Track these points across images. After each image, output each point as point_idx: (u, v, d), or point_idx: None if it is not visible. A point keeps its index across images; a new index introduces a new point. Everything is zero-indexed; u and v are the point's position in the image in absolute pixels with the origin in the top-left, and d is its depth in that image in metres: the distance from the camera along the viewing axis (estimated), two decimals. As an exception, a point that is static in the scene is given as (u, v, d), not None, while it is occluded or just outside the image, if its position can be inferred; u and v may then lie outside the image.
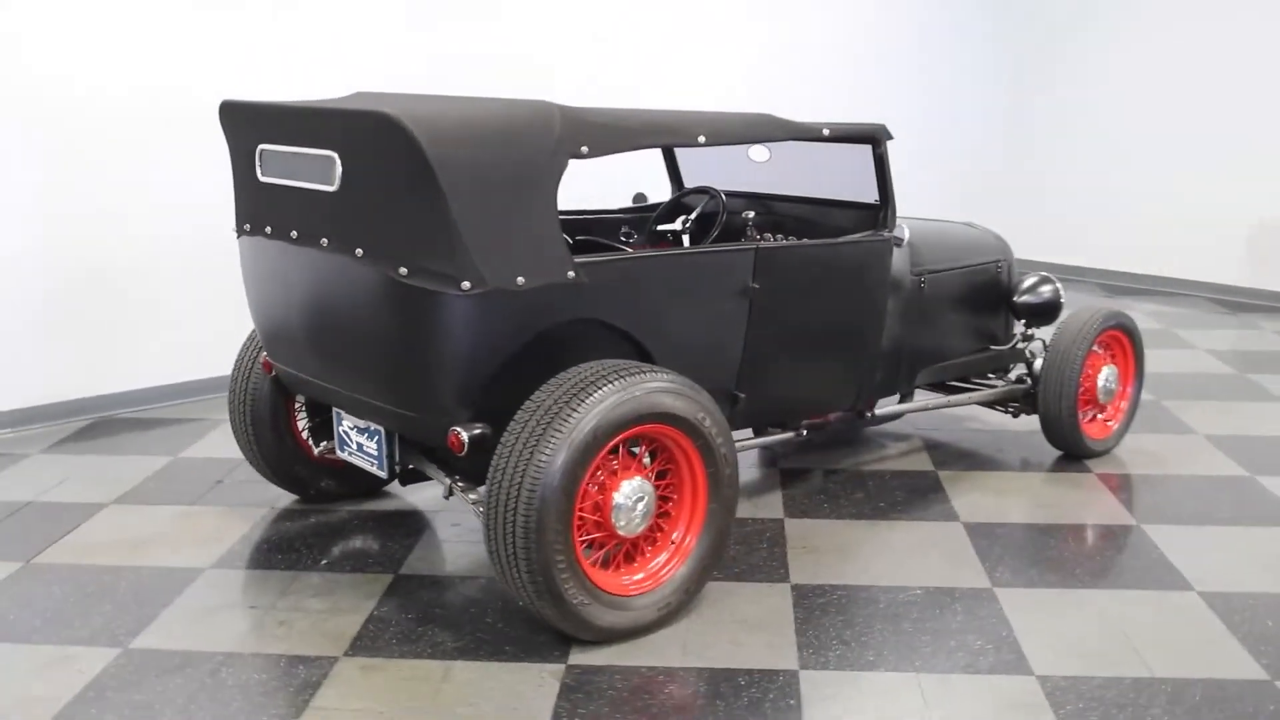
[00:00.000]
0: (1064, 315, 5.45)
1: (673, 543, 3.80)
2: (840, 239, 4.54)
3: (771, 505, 4.78)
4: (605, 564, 3.70)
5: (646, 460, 3.76)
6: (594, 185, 5.71)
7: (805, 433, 4.71)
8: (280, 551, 4.32)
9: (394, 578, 4.12)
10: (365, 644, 3.65)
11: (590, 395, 3.50)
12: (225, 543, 4.39)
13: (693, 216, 5.00)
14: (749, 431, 4.64)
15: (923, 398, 5.38)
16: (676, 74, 7.99)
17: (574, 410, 3.47)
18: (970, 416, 5.92)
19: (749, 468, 5.21)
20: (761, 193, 5.18)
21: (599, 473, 3.62)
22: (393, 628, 3.76)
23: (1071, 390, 5.15)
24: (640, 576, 3.73)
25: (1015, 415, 5.49)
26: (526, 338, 3.65)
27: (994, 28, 10.24)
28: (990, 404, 5.50)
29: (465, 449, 3.60)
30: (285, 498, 4.79)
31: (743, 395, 4.28)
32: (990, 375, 5.60)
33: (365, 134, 3.52)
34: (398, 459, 4.05)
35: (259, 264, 4.11)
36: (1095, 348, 5.32)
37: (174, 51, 5.91)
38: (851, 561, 4.25)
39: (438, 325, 3.53)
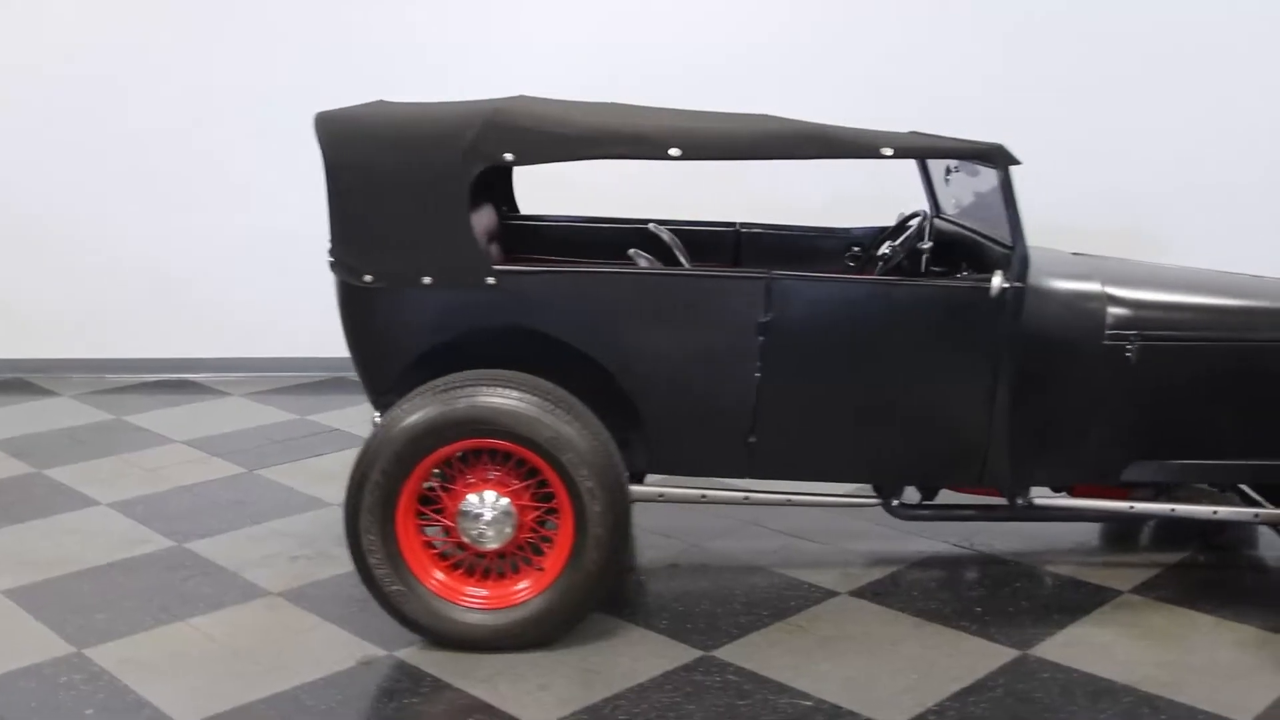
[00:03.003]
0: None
1: (539, 571, 3.65)
2: (878, 278, 3.83)
3: (855, 578, 4.16)
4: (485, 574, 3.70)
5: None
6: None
7: (896, 502, 4.03)
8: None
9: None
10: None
11: (432, 396, 3.55)
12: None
13: (898, 242, 4.45)
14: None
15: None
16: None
17: (402, 408, 3.57)
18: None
19: (895, 536, 4.49)
20: (957, 222, 4.41)
21: (451, 475, 3.63)
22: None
23: (1320, 529, 3.72)
24: (484, 593, 3.66)
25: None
26: (449, 336, 3.76)
27: None
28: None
29: None
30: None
31: (755, 441, 3.85)
32: None
33: None
34: None
35: None
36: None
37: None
38: (813, 654, 3.65)
39: (353, 314, 3.83)
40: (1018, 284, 3.76)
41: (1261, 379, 4.01)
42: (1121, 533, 4.62)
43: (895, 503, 4.03)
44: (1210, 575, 4.27)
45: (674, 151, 3.67)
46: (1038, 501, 4.03)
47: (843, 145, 3.75)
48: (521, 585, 3.64)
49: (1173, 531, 4.60)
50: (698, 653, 3.65)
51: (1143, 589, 4.11)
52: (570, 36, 6.44)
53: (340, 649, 3.68)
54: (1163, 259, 4.73)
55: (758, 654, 3.65)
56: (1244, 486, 4.29)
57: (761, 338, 3.73)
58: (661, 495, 4.02)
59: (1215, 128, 6.47)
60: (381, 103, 4.17)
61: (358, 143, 3.71)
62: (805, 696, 3.40)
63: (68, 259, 6.58)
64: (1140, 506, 4.10)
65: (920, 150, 3.85)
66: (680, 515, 4.58)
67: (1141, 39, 6.39)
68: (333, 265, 3.76)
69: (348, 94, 4.08)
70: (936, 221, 4.54)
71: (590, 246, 4.47)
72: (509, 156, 3.67)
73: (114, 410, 6.04)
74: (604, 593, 3.65)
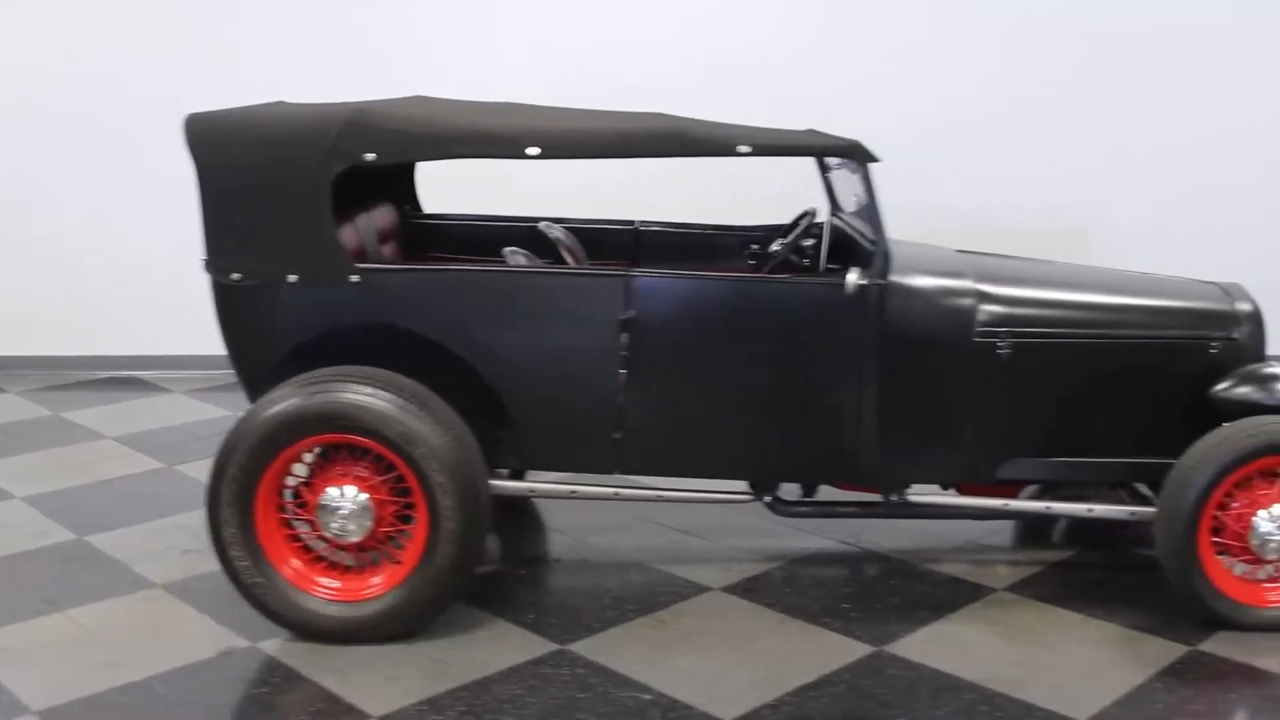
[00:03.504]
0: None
1: (397, 564, 3.70)
2: (737, 275, 3.87)
3: (732, 574, 4.18)
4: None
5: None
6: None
7: (769, 499, 4.05)
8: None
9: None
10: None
11: (289, 392, 3.61)
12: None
13: (789, 239, 4.45)
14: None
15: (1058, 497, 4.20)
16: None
17: (259, 404, 3.63)
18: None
19: (784, 533, 4.49)
20: (846, 219, 4.41)
21: (319, 470, 3.70)
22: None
23: (1181, 529, 3.70)
24: (338, 584, 3.71)
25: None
26: (317, 333, 3.82)
27: None
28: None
29: None
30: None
31: (621, 437, 3.88)
32: None
33: None
34: None
35: None
36: (1257, 477, 3.73)
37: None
38: (669, 649, 3.68)
39: (225, 312, 3.89)
40: (879, 281, 3.77)
41: (1138, 376, 4.00)
42: (1025, 530, 4.59)
43: (769, 499, 4.05)
44: (1093, 574, 4.26)
45: (532, 151, 3.71)
46: (912, 498, 4.03)
47: (699, 143, 3.78)
48: (376, 578, 3.68)
49: (1079, 530, 4.58)
50: (554, 646, 3.68)
51: (1019, 586, 4.10)
52: (570, 37, 6.51)
53: (207, 640, 3.74)
54: (1162, 264, 4.72)
55: (613, 648, 3.68)
56: (1140, 485, 4.27)
57: (624, 335, 3.76)
58: (533, 491, 4.06)
59: (1215, 128, 6.50)
60: (280, 104, 4.24)
61: (223, 144, 3.78)
62: (647, 690, 3.43)
63: (33, 256, 6.67)
64: (1014, 504, 4.11)
65: (777, 148, 3.87)
66: (576, 511, 4.64)
67: (1141, 39, 6.43)
68: (205, 264, 3.83)
69: (347, 94, 4.24)
70: (835, 219, 4.55)
71: (494, 244, 4.50)
72: (370, 156, 3.71)
73: (54, 407, 6.14)
74: (460, 586, 3.69)
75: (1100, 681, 3.49)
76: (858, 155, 3.77)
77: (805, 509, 4.16)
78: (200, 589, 4.07)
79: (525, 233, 4.57)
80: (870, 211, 3.79)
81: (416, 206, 4.82)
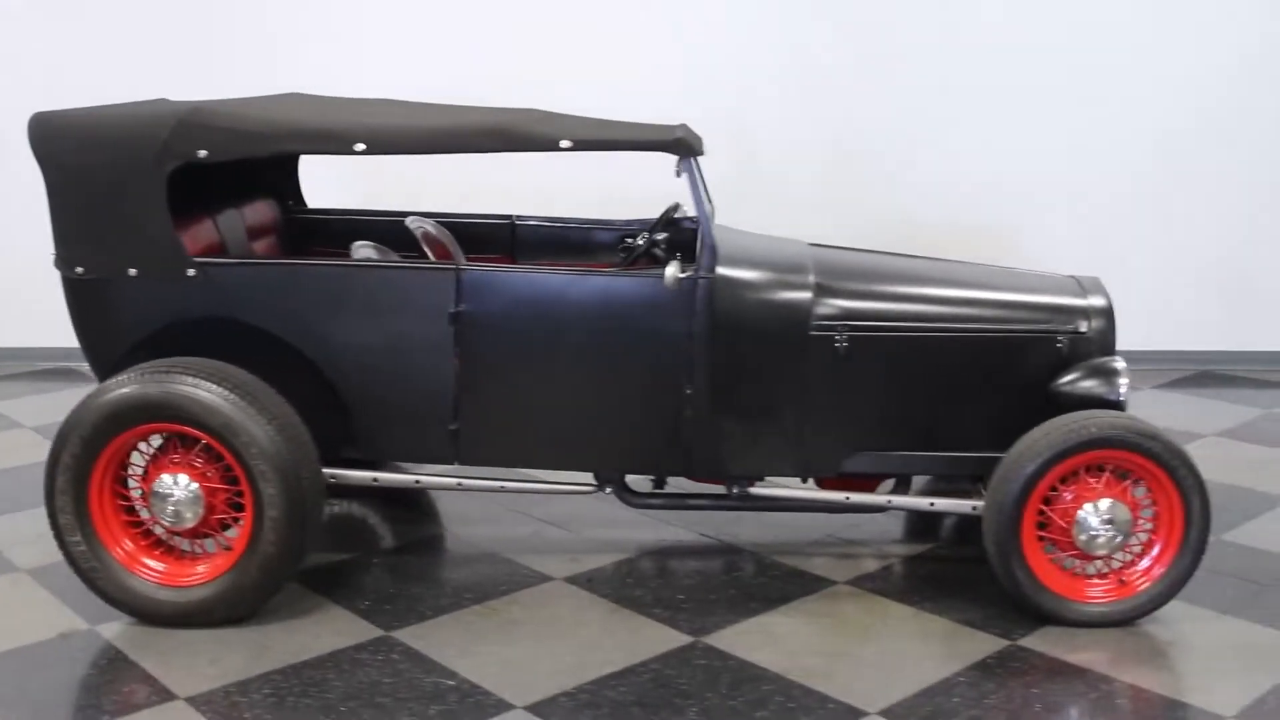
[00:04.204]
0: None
1: (228, 550, 3.79)
2: (565, 268, 3.92)
3: (579, 565, 4.22)
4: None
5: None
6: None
7: (610, 489, 4.10)
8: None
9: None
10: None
11: (120, 382, 3.71)
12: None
13: (653, 234, 4.49)
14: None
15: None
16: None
17: (92, 393, 3.74)
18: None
19: (646, 526, 4.53)
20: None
21: (142, 457, 3.81)
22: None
23: (1004, 522, 3.70)
24: (162, 567, 3.80)
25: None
26: (158, 325, 3.92)
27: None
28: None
29: None
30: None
31: (457, 428, 3.95)
32: None
33: None
34: None
35: None
36: (1083, 471, 3.72)
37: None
38: (488, 637, 3.74)
39: (72, 304, 4.00)
40: (705, 274, 3.80)
41: (984, 370, 4.01)
42: (890, 523, 4.59)
43: (610, 489, 4.09)
44: (942, 568, 4.28)
45: (359, 147, 3.79)
46: (755, 491, 4.06)
47: (523, 139, 3.83)
48: (203, 565, 3.78)
49: (952, 524, 4.58)
50: (379, 632, 3.75)
51: (861, 580, 4.12)
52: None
53: (51, 622, 3.84)
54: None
55: (435, 635, 3.74)
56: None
57: (454, 328, 3.83)
58: (375, 480, 4.13)
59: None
60: (161, 101, 4.33)
61: (63, 142, 3.87)
62: (452, 676, 3.50)
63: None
64: (855, 498, 4.11)
65: (599, 143, 3.89)
66: (450, 501, 4.72)
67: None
68: (54, 259, 3.93)
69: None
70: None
71: (378, 237, 4.58)
72: (202, 153, 3.80)
73: (-17, 396, 6.32)
74: (286, 573, 3.77)
75: (905, 674, 3.51)
76: (681, 150, 3.80)
77: (655, 500, 4.20)
78: (62, 574, 4.12)
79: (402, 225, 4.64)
80: (696, 205, 3.82)
81: (300, 201, 4.90)
